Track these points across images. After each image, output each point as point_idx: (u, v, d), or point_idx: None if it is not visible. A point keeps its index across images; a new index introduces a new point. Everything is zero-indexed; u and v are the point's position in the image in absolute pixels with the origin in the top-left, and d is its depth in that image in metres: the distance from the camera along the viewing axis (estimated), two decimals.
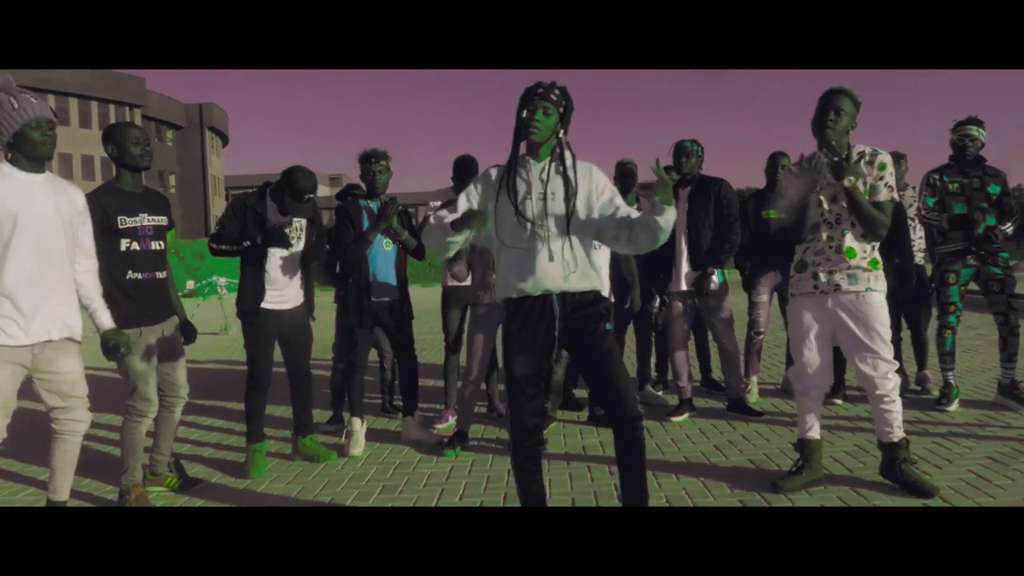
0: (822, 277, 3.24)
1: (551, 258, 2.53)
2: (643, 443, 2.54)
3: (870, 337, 3.17)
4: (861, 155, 3.21)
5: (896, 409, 3.23)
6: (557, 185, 2.57)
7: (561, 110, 2.55)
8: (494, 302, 4.21)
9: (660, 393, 5.40)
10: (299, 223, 3.94)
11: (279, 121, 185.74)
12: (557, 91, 2.55)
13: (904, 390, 5.13)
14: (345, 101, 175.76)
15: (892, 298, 4.87)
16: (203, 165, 49.96)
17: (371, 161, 4.22)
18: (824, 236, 3.24)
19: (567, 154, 2.61)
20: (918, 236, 5.07)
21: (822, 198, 3.24)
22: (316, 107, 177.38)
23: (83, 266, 2.98)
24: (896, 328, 5.09)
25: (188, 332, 3.64)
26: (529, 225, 2.53)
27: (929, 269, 5.08)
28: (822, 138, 3.21)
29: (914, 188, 5.07)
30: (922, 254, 5.12)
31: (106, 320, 3.01)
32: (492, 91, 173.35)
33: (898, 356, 5.15)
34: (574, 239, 2.57)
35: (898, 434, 3.25)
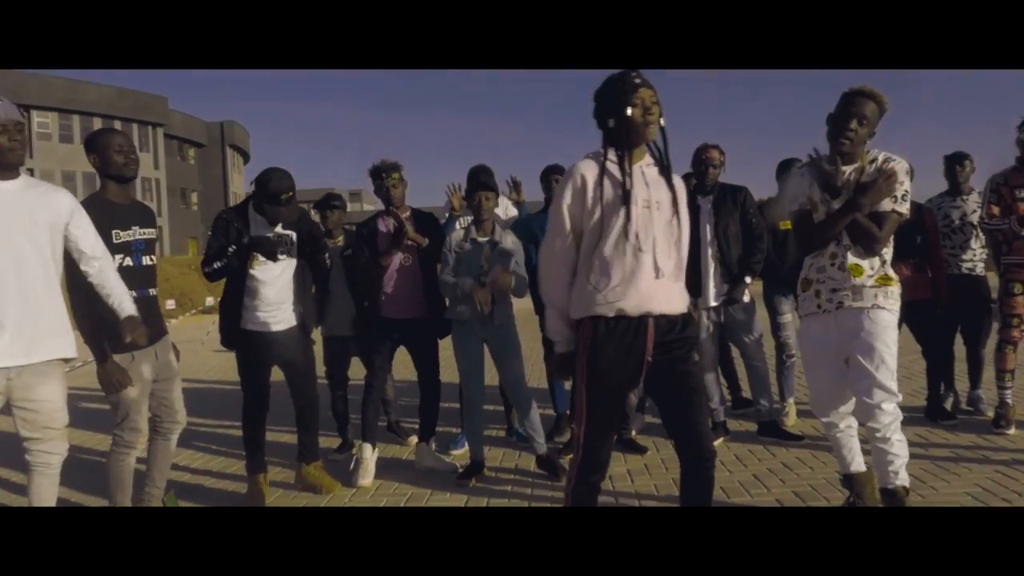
0: (824, 295, 2.87)
1: (657, 276, 2.24)
2: (713, 481, 2.30)
3: (869, 357, 2.72)
4: (873, 162, 2.79)
5: (895, 450, 2.73)
6: (662, 193, 2.29)
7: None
8: (471, 319, 3.84)
9: None
10: (287, 235, 3.64)
11: (300, 138, 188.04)
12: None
13: (956, 410, 4.78)
14: (367, 118, 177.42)
15: (934, 313, 4.54)
16: (225, 183, 50.36)
17: (383, 176, 3.96)
18: (827, 252, 2.86)
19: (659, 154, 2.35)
20: (979, 245, 4.70)
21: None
22: (336, 124, 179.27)
23: (92, 267, 2.72)
24: (948, 343, 4.74)
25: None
26: (634, 237, 2.22)
27: (991, 280, 4.72)
28: (836, 147, 2.79)
29: (979, 193, 4.69)
30: (982, 264, 4.74)
31: (128, 307, 2.75)
32: (510, 93, 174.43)
33: (949, 372, 4.80)
34: (677, 255, 2.31)
35: (898, 480, 2.73)
